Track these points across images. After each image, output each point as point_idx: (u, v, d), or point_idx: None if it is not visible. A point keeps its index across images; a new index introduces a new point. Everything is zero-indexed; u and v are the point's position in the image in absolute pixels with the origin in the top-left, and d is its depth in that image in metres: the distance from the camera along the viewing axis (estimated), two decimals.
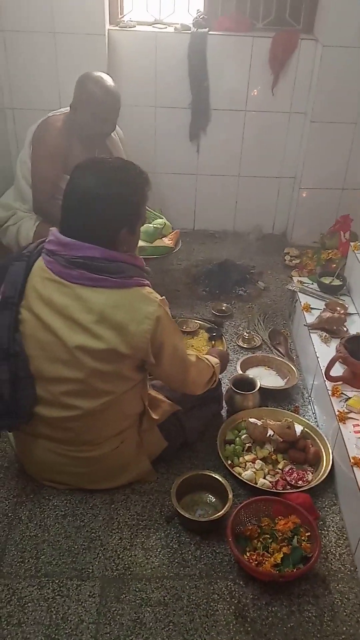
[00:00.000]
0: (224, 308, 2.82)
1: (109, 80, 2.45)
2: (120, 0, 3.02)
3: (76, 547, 1.66)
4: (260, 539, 1.67)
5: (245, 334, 2.61)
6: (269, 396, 2.24)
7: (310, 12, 2.98)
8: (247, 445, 1.98)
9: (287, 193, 3.41)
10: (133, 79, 3.01)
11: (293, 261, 3.25)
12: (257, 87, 3.05)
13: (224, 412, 2.18)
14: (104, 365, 1.54)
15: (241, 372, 2.31)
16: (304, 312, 2.48)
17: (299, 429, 2.01)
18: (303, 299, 2.58)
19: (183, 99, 3.09)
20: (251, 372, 2.36)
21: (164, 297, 1.59)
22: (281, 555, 1.62)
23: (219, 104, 3.11)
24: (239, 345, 2.58)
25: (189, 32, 2.93)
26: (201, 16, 2.98)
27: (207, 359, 1.85)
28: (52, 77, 2.92)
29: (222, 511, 1.69)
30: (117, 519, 1.75)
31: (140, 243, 2.57)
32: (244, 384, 2.16)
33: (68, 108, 2.56)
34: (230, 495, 1.73)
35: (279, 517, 1.71)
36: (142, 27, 3.00)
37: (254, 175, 3.34)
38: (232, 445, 1.98)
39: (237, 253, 3.33)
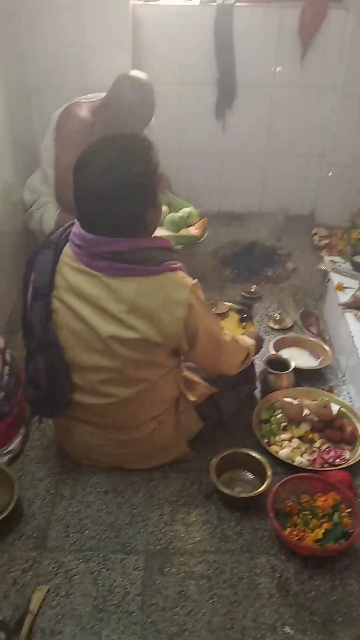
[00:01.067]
0: (253, 290, 2.91)
1: (146, 82, 2.52)
2: None
3: (118, 522, 1.77)
4: (300, 516, 1.76)
5: (276, 315, 2.69)
6: (303, 377, 2.33)
7: None
8: (283, 424, 2.07)
9: (315, 171, 3.47)
10: (158, 54, 3.08)
11: (322, 241, 3.31)
12: (285, 60, 3.10)
13: (257, 393, 2.27)
14: (137, 354, 1.60)
15: (274, 352, 2.39)
16: (337, 292, 2.56)
17: (335, 408, 2.10)
18: (335, 278, 2.66)
19: (209, 74, 3.15)
20: (284, 353, 2.44)
21: (196, 280, 1.63)
22: (322, 530, 1.71)
23: (245, 80, 3.17)
24: (270, 327, 2.67)
25: (215, 4, 2.99)
26: None
27: (241, 340, 1.94)
28: (76, 56, 2.99)
29: (262, 487, 1.79)
30: (157, 495, 1.86)
31: (165, 233, 2.67)
32: (278, 364, 2.25)
33: (93, 95, 2.63)
34: (270, 472, 1.83)
35: (318, 494, 1.80)
36: (167, 1, 3.06)
37: (282, 153, 3.40)
38: (268, 424, 2.08)
39: (264, 234, 3.41)
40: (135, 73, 2.56)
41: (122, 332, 1.57)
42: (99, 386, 1.69)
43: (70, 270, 1.61)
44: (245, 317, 2.65)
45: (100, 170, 1.49)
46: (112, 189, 1.47)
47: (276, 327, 2.66)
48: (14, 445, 1.94)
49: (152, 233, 1.63)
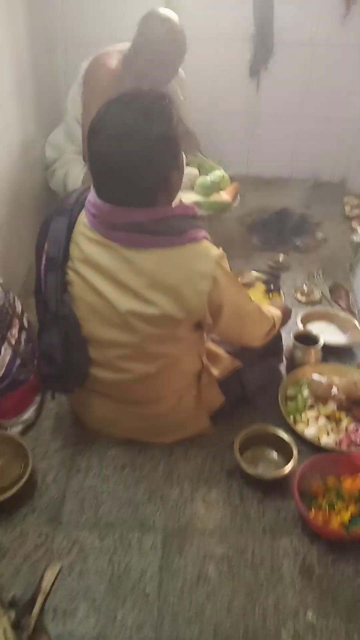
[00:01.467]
0: (280, 260, 2.76)
1: (175, 20, 2.34)
2: None
3: (137, 498, 1.69)
4: (326, 497, 1.66)
5: (304, 287, 2.56)
6: (331, 352, 2.20)
7: None
8: (310, 402, 1.96)
9: (349, 137, 3.26)
10: (192, 7, 2.86)
11: (353, 211, 3.15)
12: (327, 17, 2.88)
13: (283, 368, 2.15)
14: (158, 329, 1.48)
15: (302, 326, 2.27)
16: None
17: None
18: None
19: (245, 30, 2.94)
20: (312, 327, 2.32)
21: (221, 250, 1.48)
22: (349, 514, 1.62)
23: (283, 37, 2.95)
24: (297, 299, 2.54)
25: None
26: None
27: (267, 310, 1.80)
28: (105, 6, 2.80)
29: (287, 468, 1.69)
30: (177, 471, 1.76)
31: (196, 197, 2.51)
32: (306, 339, 2.13)
33: (123, 44, 2.46)
34: (295, 452, 1.73)
35: (345, 476, 1.70)
36: None
37: (316, 116, 3.20)
38: (294, 401, 1.97)
39: (293, 201, 3.24)
40: (164, 11, 2.37)
41: (141, 307, 1.45)
42: (117, 361, 1.59)
43: (86, 240, 1.47)
44: (272, 288, 2.52)
45: (118, 135, 1.32)
46: (132, 155, 1.31)
47: (304, 299, 2.53)
48: (29, 414, 1.85)
49: (175, 197, 1.48)
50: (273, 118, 3.22)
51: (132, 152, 1.31)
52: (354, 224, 3.03)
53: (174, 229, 1.42)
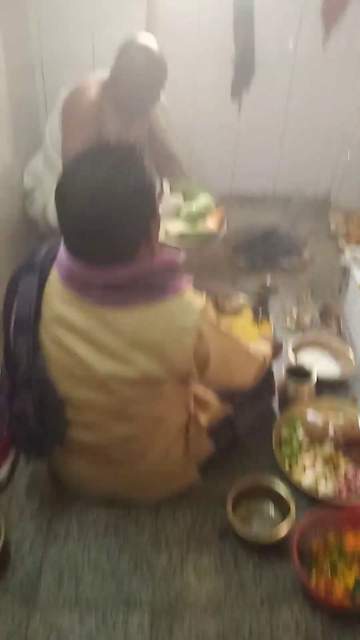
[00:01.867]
0: (268, 282, 2.49)
1: (154, 46, 2.07)
2: None
3: (121, 569, 1.42)
4: (327, 556, 1.40)
5: (293, 312, 2.28)
6: (324, 383, 1.94)
7: None
8: (305, 444, 1.69)
9: (333, 154, 3.01)
10: (173, 29, 2.59)
11: (339, 228, 2.88)
12: (309, 35, 2.61)
13: (275, 404, 1.88)
14: (140, 390, 1.26)
15: (294, 357, 2.00)
16: None
17: None
18: (358, 274, 2.24)
19: (226, 50, 2.67)
20: (303, 355, 2.06)
21: (204, 298, 1.26)
22: (353, 577, 1.36)
23: (264, 58, 2.68)
24: (286, 325, 2.27)
25: None
26: None
27: (255, 349, 1.55)
28: (85, 27, 2.52)
29: (284, 530, 1.42)
30: (164, 535, 1.49)
31: (182, 228, 2.25)
32: (299, 372, 1.86)
33: (102, 72, 2.18)
34: (293, 509, 1.46)
35: (348, 531, 1.44)
36: None
37: (299, 134, 2.94)
38: (289, 444, 1.70)
39: (278, 219, 2.99)
40: (143, 37, 2.09)
41: (121, 369, 1.21)
42: (96, 423, 1.34)
43: (59, 299, 1.24)
44: (261, 314, 2.25)
45: (91, 193, 1.09)
46: (109, 212, 1.10)
47: (293, 325, 2.26)
48: (2, 473, 1.57)
49: (155, 248, 1.22)
50: (255, 136, 2.95)
51: (109, 209, 1.10)
52: (341, 242, 2.76)
53: (153, 284, 1.19)
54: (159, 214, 1.21)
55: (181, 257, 1.29)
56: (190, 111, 2.85)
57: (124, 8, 2.47)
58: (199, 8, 2.56)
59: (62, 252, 1.22)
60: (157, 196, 1.19)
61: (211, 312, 1.27)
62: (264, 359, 1.56)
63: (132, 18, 2.49)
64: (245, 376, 1.49)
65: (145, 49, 2.06)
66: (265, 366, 1.57)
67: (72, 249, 1.18)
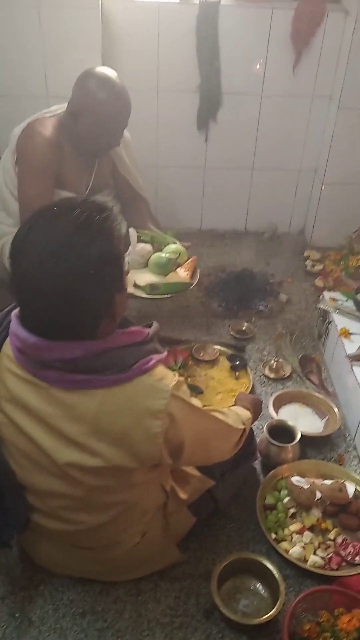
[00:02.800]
0: (244, 328, 2.61)
1: (116, 79, 2.13)
2: None
3: None
4: (320, 638, 1.49)
5: (272, 362, 2.40)
6: (307, 440, 2.05)
7: None
8: (291, 510, 1.79)
9: (306, 188, 3.20)
10: (132, 58, 2.74)
11: (315, 266, 3.04)
12: (276, 66, 2.80)
13: (258, 464, 1.98)
14: (105, 481, 1.27)
15: (275, 413, 2.11)
16: (342, 339, 2.28)
17: (351, 489, 1.82)
18: (338, 321, 2.38)
19: (190, 81, 2.83)
20: (285, 411, 2.17)
21: (176, 375, 1.28)
22: None
23: (231, 87, 2.86)
24: (265, 375, 2.38)
25: (197, 1, 2.65)
26: None
27: (234, 418, 1.58)
28: (37, 58, 2.64)
29: (273, 611, 1.50)
30: (146, 615, 1.55)
31: (152, 278, 2.33)
32: (282, 431, 1.97)
33: (57, 107, 2.27)
34: (282, 588, 1.54)
35: (340, 610, 1.53)
36: None
37: (270, 167, 3.11)
38: (274, 512, 1.79)
39: (251, 256, 3.14)
40: (102, 70, 2.15)
41: (82, 458, 1.22)
42: (61, 512, 1.36)
43: (13, 377, 1.24)
44: (238, 364, 2.37)
45: (46, 255, 1.11)
46: (64, 280, 1.11)
47: (273, 375, 2.37)
48: None
49: (119, 320, 1.27)
50: (224, 170, 3.12)
51: (65, 276, 1.11)
52: (317, 282, 2.92)
53: (117, 364, 1.19)
54: (124, 286, 1.25)
55: (153, 329, 1.32)
56: (154, 145, 2.99)
57: (77, 36, 2.60)
58: (159, 36, 2.70)
59: (15, 323, 1.21)
60: (123, 265, 1.23)
61: (183, 390, 1.28)
62: (245, 428, 1.61)
63: (86, 47, 2.62)
64: (225, 450, 1.55)
65: (106, 82, 2.11)
66: (247, 432, 1.64)
67: (23, 317, 1.20)
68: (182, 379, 1.30)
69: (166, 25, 2.69)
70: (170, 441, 1.25)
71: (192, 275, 2.43)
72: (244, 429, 1.61)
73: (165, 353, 1.30)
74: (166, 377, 1.25)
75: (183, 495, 1.58)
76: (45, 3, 2.52)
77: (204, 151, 3.05)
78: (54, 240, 1.12)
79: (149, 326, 1.33)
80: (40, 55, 2.64)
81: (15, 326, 1.21)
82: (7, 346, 1.26)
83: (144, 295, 2.30)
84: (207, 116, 2.94)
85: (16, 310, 1.24)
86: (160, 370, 1.25)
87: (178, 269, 2.40)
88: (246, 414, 1.68)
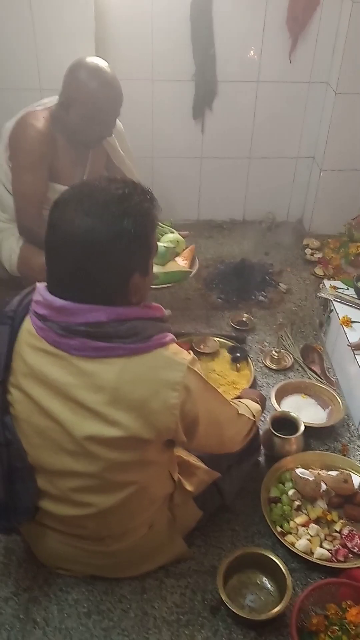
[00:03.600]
0: (244, 319, 2.57)
1: (107, 68, 2.09)
2: None
3: None
4: (329, 633, 1.45)
5: (273, 352, 2.36)
6: (311, 432, 2.01)
7: None
8: (296, 503, 1.76)
9: (304, 175, 3.14)
10: (125, 47, 2.68)
11: (315, 255, 3.00)
12: (272, 52, 2.74)
13: (261, 457, 1.94)
14: (122, 454, 1.26)
15: (277, 405, 2.08)
16: (344, 327, 2.24)
17: (356, 480, 1.79)
18: (340, 309, 2.34)
19: (185, 70, 2.77)
20: (288, 402, 2.13)
21: (191, 353, 1.30)
22: None
23: (227, 75, 2.80)
24: (266, 366, 2.34)
25: None
26: None
27: (247, 407, 1.59)
28: (29, 50, 2.57)
29: (280, 606, 1.47)
30: (152, 613, 1.51)
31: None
32: (285, 423, 1.93)
33: (49, 100, 2.22)
34: (289, 582, 1.51)
35: (348, 603, 1.50)
36: None
37: (267, 156, 3.06)
38: (279, 504, 1.76)
39: (249, 246, 3.09)
40: (92, 59, 2.12)
41: (101, 429, 1.22)
42: (72, 494, 1.34)
43: (32, 351, 1.25)
44: (239, 356, 2.33)
45: (86, 216, 1.16)
46: (91, 245, 1.15)
47: (274, 366, 2.33)
48: None
49: (137, 304, 1.26)
50: (221, 160, 3.06)
51: (92, 236, 1.15)
52: (317, 270, 2.87)
53: (138, 334, 1.21)
54: (147, 270, 1.27)
55: (167, 312, 1.34)
56: (149, 135, 2.93)
57: (69, 26, 2.53)
58: (152, 24, 2.64)
59: (39, 293, 1.24)
60: (150, 249, 1.26)
61: (199, 367, 1.30)
62: (254, 417, 1.60)
63: (79, 37, 2.55)
64: (237, 438, 1.54)
65: (97, 71, 2.08)
66: (256, 425, 1.62)
67: (51, 283, 1.22)
68: (195, 357, 1.31)
69: (160, 13, 2.63)
70: (186, 414, 1.25)
71: (191, 264, 2.40)
72: (254, 421, 1.60)
73: (174, 336, 1.30)
74: (182, 352, 1.27)
75: (189, 487, 1.57)
76: None
77: (200, 141, 2.99)
78: (92, 202, 1.17)
79: None
80: (32, 46, 2.57)
81: (42, 293, 1.22)
82: (28, 323, 1.27)
83: None
84: (203, 105, 2.88)
85: (42, 283, 1.25)
86: (176, 346, 1.28)
87: (177, 258, 2.37)
88: (256, 406, 1.67)
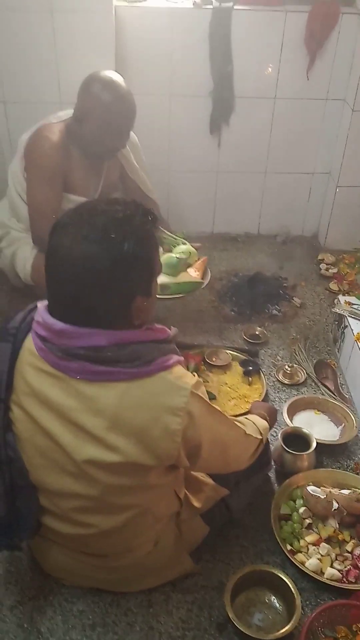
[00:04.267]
0: (257, 333, 2.54)
1: (120, 82, 2.11)
2: None
3: None
4: None
5: (286, 367, 2.33)
6: (324, 449, 1.97)
7: None
8: (307, 521, 1.71)
9: (320, 190, 3.12)
10: (145, 63, 2.68)
11: (329, 270, 2.97)
12: (290, 70, 2.73)
13: (272, 472, 1.90)
14: (121, 479, 1.23)
15: (289, 420, 2.04)
16: (358, 343, 2.20)
17: None
18: (354, 325, 2.30)
19: (203, 85, 2.76)
20: (300, 418, 2.10)
21: (195, 375, 1.27)
22: None
23: (244, 91, 2.79)
24: (279, 381, 2.30)
25: (210, 7, 2.60)
26: None
27: (252, 427, 1.54)
28: (50, 64, 2.59)
29: (288, 626, 1.43)
30: (158, 628, 1.48)
31: (163, 279, 2.27)
32: (297, 439, 1.89)
33: (64, 113, 2.24)
34: (298, 602, 1.47)
35: (359, 625, 1.45)
36: (155, 2, 2.65)
37: (283, 171, 3.04)
38: (290, 522, 1.71)
39: (263, 260, 3.07)
40: (106, 73, 2.13)
41: (101, 453, 1.19)
42: (73, 514, 1.31)
43: (33, 371, 1.23)
44: (251, 370, 2.30)
45: (86, 239, 1.13)
46: (91, 268, 1.13)
47: (287, 381, 2.30)
48: None
49: (140, 327, 1.24)
50: (238, 174, 3.05)
51: (91, 261, 1.13)
52: (332, 285, 2.84)
53: (140, 358, 1.18)
54: (150, 291, 1.24)
55: (173, 332, 1.31)
56: (166, 150, 2.93)
57: (90, 42, 2.54)
58: (172, 40, 2.64)
59: (40, 314, 1.21)
60: (153, 271, 1.23)
61: (202, 391, 1.26)
62: (262, 438, 1.56)
63: (99, 52, 2.56)
64: (242, 460, 1.50)
65: (110, 85, 2.09)
66: (264, 441, 1.58)
67: (52, 306, 1.20)
68: (200, 380, 1.27)
69: (179, 30, 2.63)
70: (188, 440, 1.22)
71: (203, 276, 2.38)
72: (261, 439, 1.56)
73: (181, 357, 1.27)
74: (186, 376, 1.23)
75: (197, 504, 1.53)
76: (58, 8, 2.47)
77: (217, 155, 2.98)
78: (91, 226, 1.15)
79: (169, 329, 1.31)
80: (53, 61, 2.59)
81: (42, 314, 1.21)
82: (30, 341, 1.25)
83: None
84: (220, 120, 2.87)
85: (44, 302, 1.23)
86: (180, 369, 1.24)
87: (189, 269, 2.35)
88: (263, 423, 1.62)
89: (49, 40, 2.54)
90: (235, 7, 2.60)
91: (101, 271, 1.13)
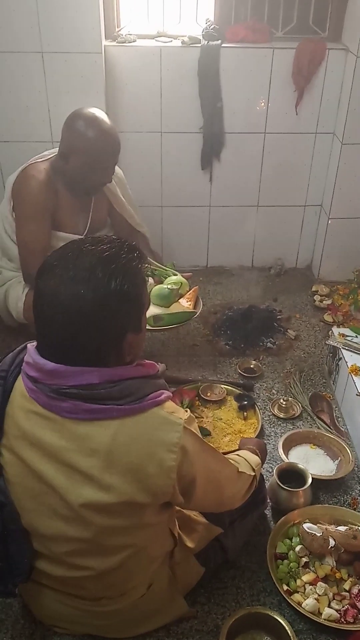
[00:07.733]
0: (252, 366, 2.54)
1: (104, 118, 2.15)
2: (117, 11, 2.75)
3: None
4: None
5: (281, 400, 2.32)
6: (319, 484, 1.96)
7: (337, 17, 2.73)
8: (304, 559, 1.69)
9: (312, 223, 3.16)
10: (136, 101, 2.75)
11: (324, 301, 2.98)
12: (279, 105, 2.79)
13: (268, 510, 1.89)
14: (116, 520, 1.22)
15: (284, 455, 2.03)
16: (352, 376, 2.20)
17: None
18: (348, 357, 2.30)
19: (193, 122, 2.82)
20: (296, 452, 2.09)
21: (188, 412, 1.26)
22: None
23: (234, 127, 2.85)
24: (274, 415, 2.30)
25: (199, 45, 2.67)
26: (212, 26, 2.71)
27: (246, 462, 1.54)
28: (42, 104, 2.65)
29: None
30: None
31: (155, 310, 2.28)
32: (292, 475, 1.88)
33: (49, 152, 2.28)
34: None
35: None
36: (144, 41, 2.72)
37: (275, 204, 3.08)
38: (286, 561, 1.69)
39: (257, 292, 3.09)
40: (89, 109, 2.17)
41: (96, 495, 1.18)
42: (67, 558, 1.30)
43: (24, 413, 1.22)
44: (246, 404, 2.29)
45: (66, 281, 1.14)
46: (79, 310, 1.13)
47: (282, 415, 2.29)
48: None
49: (131, 363, 1.24)
50: (230, 208, 3.09)
51: (79, 302, 1.13)
52: (326, 317, 2.85)
53: (132, 394, 1.18)
54: (140, 327, 1.24)
55: (161, 368, 1.32)
56: (158, 186, 2.97)
57: (81, 82, 2.61)
58: (161, 78, 2.70)
59: (30, 355, 1.21)
60: (142, 307, 1.24)
61: (195, 427, 1.27)
62: (255, 473, 1.55)
63: (90, 92, 2.63)
64: (237, 497, 1.49)
65: (93, 121, 2.13)
66: (257, 478, 1.57)
67: (41, 347, 1.20)
68: (192, 416, 1.27)
69: (169, 69, 2.69)
70: (183, 476, 1.22)
71: (195, 305, 2.40)
72: (255, 475, 1.55)
73: (170, 393, 1.27)
74: (178, 411, 1.24)
75: (190, 544, 1.52)
76: (49, 49, 2.53)
77: (209, 190, 3.02)
78: (77, 267, 1.15)
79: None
80: (44, 102, 2.65)
81: (32, 355, 1.20)
82: (20, 383, 1.24)
83: (148, 327, 2.25)
84: (211, 156, 2.92)
85: (33, 342, 1.24)
86: (172, 404, 1.25)
87: (180, 300, 2.37)
88: (255, 459, 1.61)
89: (40, 80, 2.60)
90: (223, 45, 2.66)
91: (90, 311, 1.13)
